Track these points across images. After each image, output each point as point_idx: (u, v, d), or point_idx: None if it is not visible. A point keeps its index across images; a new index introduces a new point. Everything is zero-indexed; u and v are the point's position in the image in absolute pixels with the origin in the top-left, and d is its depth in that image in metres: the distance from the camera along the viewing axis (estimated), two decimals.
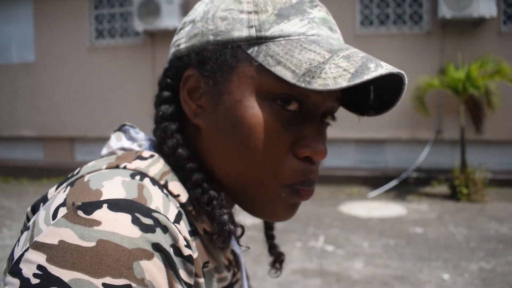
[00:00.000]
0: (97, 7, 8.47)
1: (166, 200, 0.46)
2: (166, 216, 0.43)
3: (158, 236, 0.41)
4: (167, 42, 7.77)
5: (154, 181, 0.48)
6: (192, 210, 0.51)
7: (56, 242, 0.38)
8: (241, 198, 0.54)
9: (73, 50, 8.53)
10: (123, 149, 0.55)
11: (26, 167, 9.08)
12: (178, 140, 0.53)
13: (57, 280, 0.36)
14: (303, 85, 0.44)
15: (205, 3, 0.55)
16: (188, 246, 0.44)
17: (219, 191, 0.54)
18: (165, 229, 0.42)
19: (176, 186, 0.51)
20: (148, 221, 0.41)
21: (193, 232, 0.51)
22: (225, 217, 0.51)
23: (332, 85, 0.43)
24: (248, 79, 0.49)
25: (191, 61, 0.53)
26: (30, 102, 9.03)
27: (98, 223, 0.39)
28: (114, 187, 0.43)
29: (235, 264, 0.59)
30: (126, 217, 0.40)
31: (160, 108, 0.56)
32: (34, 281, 0.37)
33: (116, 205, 0.40)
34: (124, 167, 0.49)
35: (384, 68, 0.44)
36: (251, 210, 0.54)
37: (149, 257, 0.39)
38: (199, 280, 0.46)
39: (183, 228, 0.46)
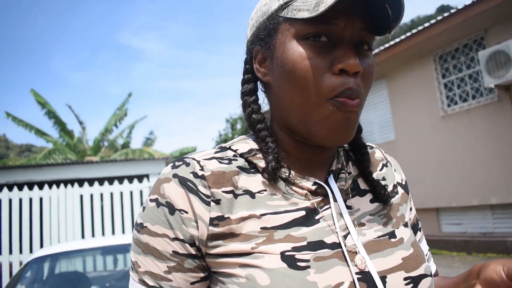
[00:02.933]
0: (445, 76, 8.42)
1: (213, 152, 0.71)
2: (193, 158, 0.68)
3: (180, 169, 0.65)
4: None
5: (222, 147, 0.73)
6: (250, 156, 0.70)
7: None
8: (304, 130, 0.67)
9: (427, 122, 8.66)
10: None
11: None
12: (253, 109, 0.74)
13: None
14: (315, 13, 0.60)
15: (254, 12, 0.75)
16: (201, 170, 0.65)
17: (283, 142, 0.72)
18: (187, 164, 0.66)
19: (238, 146, 0.72)
20: (178, 163, 0.67)
21: (252, 171, 0.69)
22: (271, 157, 0.67)
23: (329, 1, 0.58)
24: (286, 31, 0.66)
25: (255, 42, 0.73)
26: None
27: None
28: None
29: (312, 195, 0.69)
30: (171, 164, 0.68)
31: (243, 87, 0.76)
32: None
33: (173, 160, 0.70)
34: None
35: None
36: (314, 136, 0.66)
37: (169, 181, 0.65)
38: (218, 192, 0.64)
39: (211, 162, 0.67)
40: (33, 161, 12.74)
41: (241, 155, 0.70)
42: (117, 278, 3.74)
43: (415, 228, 0.85)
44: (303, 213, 0.66)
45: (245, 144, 0.72)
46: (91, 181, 7.14)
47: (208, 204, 0.62)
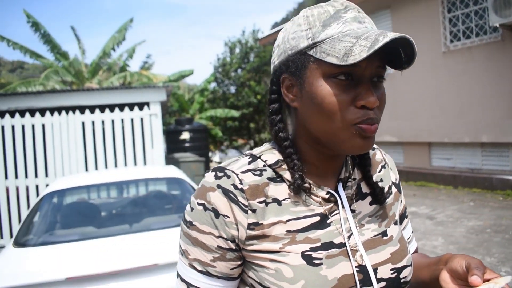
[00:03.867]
0: (450, 10, 8.23)
1: (247, 163, 0.83)
2: (232, 171, 0.81)
3: (222, 180, 0.79)
4: None
5: (253, 156, 0.86)
6: (277, 167, 0.83)
7: None
8: (333, 145, 0.79)
9: (429, 57, 8.62)
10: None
11: None
12: (280, 128, 0.85)
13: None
14: (343, 63, 0.70)
15: (282, 31, 0.84)
16: (240, 183, 0.79)
17: (305, 153, 0.85)
18: (228, 177, 0.80)
19: (267, 156, 0.85)
20: (220, 174, 0.80)
21: (279, 180, 0.83)
22: (297, 176, 0.81)
23: (358, 57, 0.68)
24: (315, 69, 0.76)
25: (283, 70, 0.82)
26: (391, 110, 9.73)
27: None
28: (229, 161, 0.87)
29: (324, 202, 0.84)
30: (213, 173, 0.81)
31: (270, 107, 0.87)
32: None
33: (214, 168, 0.83)
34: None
35: (388, 37, 0.68)
36: (342, 150, 0.79)
37: (214, 190, 0.79)
38: (254, 202, 0.79)
39: (247, 175, 0.81)
40: (32, 84, 12.63)
41: (270, 166, 0.84)
42: (127, 200, 3.99)
43: (402, 217, 1.02)
44: (317, 218, 0.83)
45: (272, 155, 0.85)
46: (92, 108, 7.20)
47: (246, 212, 0.79)
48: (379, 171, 0.98)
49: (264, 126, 16.21)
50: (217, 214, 0.78)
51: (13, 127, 6.82)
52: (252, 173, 0.82)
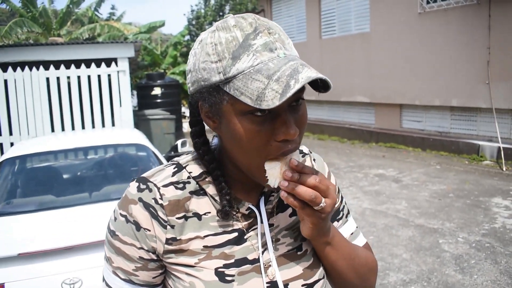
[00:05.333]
0: None
1: (171, 174, 0.84)
2: (155, 184, 0.81)
3: (144, 194, 0.80)
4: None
5: (179, 166, 0.86)
6: (201, 181, 0.83)
7: None
8: (253, 177, 0.80)
9: (404, 18, 8.52)
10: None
11: (359, 130, 9.96)
12: (204, 151, 0.84)
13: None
14: (258, 106, 0.67)
15: (192, 55, 0.79)
16: (161, 199, 0.80)
17: (229, 168, 0.85)
18: (150, 190, 0.80)
19: (192, 167, 0.85)
20: (143, 186, 0.81)
21: (202, 193, 0.84)
22: (225, 202, 0.81)
23: (271, 104, 0.66)
24: (230, 106, 0.73)
25: (199, 98, 0.78)
26: (365, 70, 9.70)
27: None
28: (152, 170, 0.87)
29: (244, 218, 0.85)
30: (137, 184, 0.82)
31: (192, 130, 0.86)
32: None
33: (138, 179, 0.83)
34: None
35: (299, 82, 0.66)
36: (257, 180, 0.79)
37: (135, 203, 0.80)
38: (173, 218, 0.80)
39: (169, 189, 0.81)
40: None
41: (194, 178, 0.84)
42: (88, 167, 3.91)
43: (333, 218, 0.98)
44: (235, 234, 0.84)
45: (197, 166, 0.85)
46: (57, 64, 6.91)
47: (165, 227, 0.80)
48: None
49: None
50: (138, 227, 0.80)
51: None
52: (175, 186, 0.82)
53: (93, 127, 7.04)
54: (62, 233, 2.54)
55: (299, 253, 0.88)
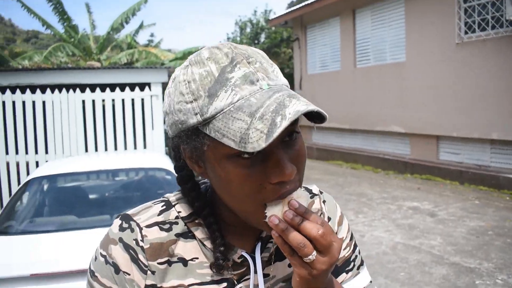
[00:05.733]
0: (467, 0, 7.88)
1: (158, 213, 0.76)
2: (137, 223, 0.74)
3: (125, 234, 0.74)
4: None
5: (168, 204, 0.78)
6: (189, 222, 0.76)
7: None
8: (249, 222, 0.71)
9: (441, 48, 8.32)
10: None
11: (394, 160, 9.67)
12: (193, 197, 0.76)
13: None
14: (242, 149, 0.58)
15: (166, 95, 0.71)
16: (142, 240, 0.73)
17: (222, 211, 0.76)
18: (132, 230, 0.74)
19: (181, 207, 0.77)
20: (125, 225, 0.75)
21: (190, 236, 0.76)
22: (218, 254, 0.73)
23: (257, 146, 0.57)
24: (214, 149, 0.65)
25: (179, 141, 0.71)
26: (399, 100, 9.48)
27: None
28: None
29: (236, 266, 0.76)
30: (119, 222, 0.76)
31: (177, 175, 0.78)
32: None
33: (122, 216, 0.77)
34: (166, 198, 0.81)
35: (287, 119, 0.57)
36: (255, 226, 0.70)
37: (115, 243, 0.73)
38: (154, 264, 0.73)
39: (152, 230, 0.74)
40: (39, 55, 12.59)
41: (183, 219, 0.76)
42: (112, 189, 3.91)
43: (341, 269, 0.87)
44: (224, 284, 0.75)
45: (187, 205, 0.77)
46: (93, 87, 7.11)
47: (145, 273, 0.73)
48: None
49: None
50: (117, 269, 0.73)
51: (14, 103, 6.78)
52: (160, 227, 0.76)
53: (125, 149, 7.15)
54: (78, 255, 2.50)
55: None
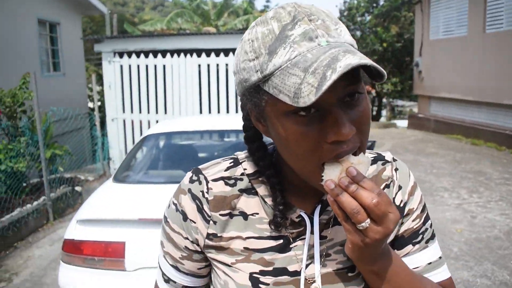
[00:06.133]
0: None
1: (225, 169, 0.81)
2: (205, 177, 0.80)
3: (194, 185, 0.80)
4: None
5: (235, 161, 0.82)
6: (253, 179, 0.79)
7: None
8: (305, 179, 0.71)
9: None
10: None
11: None
12: (258, 156, 0.79)
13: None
14: (295, 104, 0.58)
15: (235, 56, 0.73)
16: (207, 192, 0.78)
17: (285, 170, 0.78)
18: (200, 183, 0.79)
19: (248, 165, 0.81)
20: (194, 178, 0.81)
21: (253, 192, 0.79)
22: (277, 213, 0.75)
23: (308, 101, 0.57)
24: (272, 106, 0.66)
25: (246, 101, 0.72)
26: None
27: None
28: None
29: (293, 226, 0.78)
30: (190, 175, 0.82)
31: (245, 134, 0.82)
32: None
33: (194, 170, 0.83)
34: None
35: (337, 72, 0.55)
36: (314, 186, 0.70)
37: (185, 194, 0.80)
38: (216, 215, 0.78)
39: (218, 184, 0.79)
40: (161, 23, 13.45)
41: (248, 175, 0.80)
42: (224, 148, 4.14)
43: (408, 240, 0.84)
44: (280, 241, 0.78)
45: (254, 164, 0.81)
46: (208, 52, 7.45)
47: (207, 222, 0.79)
48: None
49: (389, 75, 15.24)
50: (185, 217, 0.80)
51: (138, 66, 7.43)
52: (225, 181, 0.80)
53: (227, 112, 7.47)
54: None
55: (350, 274, 0.78)
